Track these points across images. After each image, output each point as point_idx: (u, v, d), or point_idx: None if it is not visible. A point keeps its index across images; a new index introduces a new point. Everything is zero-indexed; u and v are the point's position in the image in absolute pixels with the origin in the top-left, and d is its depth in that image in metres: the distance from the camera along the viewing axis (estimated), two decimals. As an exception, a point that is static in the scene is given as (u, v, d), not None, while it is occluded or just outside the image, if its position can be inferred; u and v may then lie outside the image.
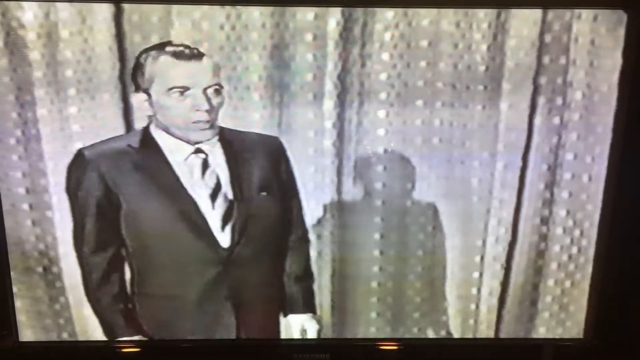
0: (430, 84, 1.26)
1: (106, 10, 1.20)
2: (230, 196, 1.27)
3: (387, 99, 1.27)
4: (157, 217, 1.26)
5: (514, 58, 1.25)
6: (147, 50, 1.19)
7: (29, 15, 1.19)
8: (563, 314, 1.44)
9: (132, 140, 1.23)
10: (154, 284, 1.33)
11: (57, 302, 1.39)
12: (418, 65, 1.25)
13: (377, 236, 1.37)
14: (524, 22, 1.24)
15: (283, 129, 1.28)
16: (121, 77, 1.23)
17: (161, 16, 1.21)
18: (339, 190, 1.32)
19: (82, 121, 1.26)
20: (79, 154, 1.25)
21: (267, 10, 1.21)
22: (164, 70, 1.18)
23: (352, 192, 1.33)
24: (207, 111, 1.20)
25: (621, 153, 1.31)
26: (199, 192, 1.26)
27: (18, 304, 1.39)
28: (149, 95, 1.19)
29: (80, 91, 1.24)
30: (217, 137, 1.24)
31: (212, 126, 1.22)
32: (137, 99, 1.21)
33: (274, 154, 1.26)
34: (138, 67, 1.19)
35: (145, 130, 1.24)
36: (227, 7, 1.20)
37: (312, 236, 1.35)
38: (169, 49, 1.17)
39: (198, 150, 1.24)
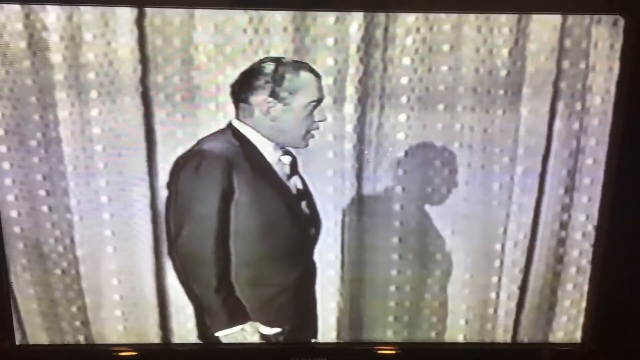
0: (451, 88, 1.26)
1: (129, 13, 1.20)
2: (308, 195, 1.34)
3: (408, 103, 1.27)
4: (269, 209, 1.32)
5: (535, 63, 1.26)
6: (282, 63, 1.24)
7: (52, 17, 1.19)
8: (581, 319, 1.44)
9: (233, 139, 1.28)
10: (254, 273, 1.36)
11: (75, 305, 1.40)
12: (439, 70, 1.25)
13: (395, 240, 1.37)
14: (544, 27, 1.24)
15: (303, 132, 1.29)
16: (142, 80, 1.24)
17: (183, 20, 1.21)
18: (358, 193, 1.33)
19: (103, 124, 1.26)
20: (203, 153, 1.27)
21: (289, 14, 1.21)
22: (307, 85, 1.25)
23: (371, 195, 1.33)
24: (324, 122, 1.27)
25: (618, 157, 1.32)
26: (292, 189, 1.32)
27: (34, 306, 1.39)
28: (284, 103, 1.25)
29: (101, 94, 1.24)
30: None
31: (314, 135, 1.29)
32: (264, 104, 1.26)
33: None
34: (274, 76, 1.23)
35: (236, 130, 1.28)
36: (250, 11, 1.21)
37: (331, 239, 1.36)
38: (306, 65, 1.24)
39: (287, 153, 1.31)
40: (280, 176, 1.31)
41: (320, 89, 1.25)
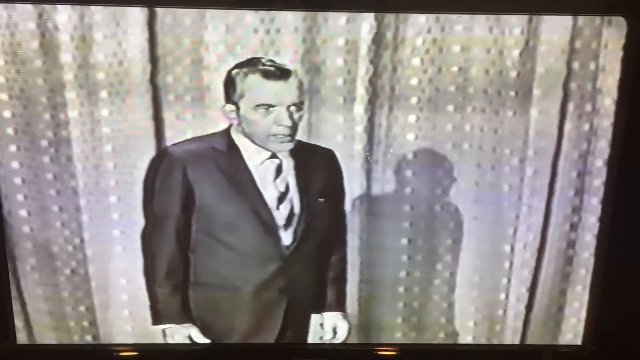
0: (462, 89, 1.26)
1: (139, 13, 1.21)
2: (295, 199, 1.32)
3: (418, 104, 1.27)
4: (231, 213, 1.31)
5: (545, 64, 1.25)
6: (239, 67, 1.23)
7: (63, 17, 1.20)
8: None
9: (216, 141, 1.28)
10: (213, 274, 1.36)
11: (83, 305, 1.39)
12: (449, 70, 1.25)
13: (404, 241, 1.37)
14: (554, 28, 1.24)
15: (312, 133, 1.28)
16: (152, 80, 1.24)
17: (194, 20, 1.21)
18: (367, 194, 1.32)
19: (112, 124, 1.27)
20: (166, 152, 1.28)
21: (300, 14, 1.21)
22: (253, 88, 1.23)
23: (380, 196, 1.33)
24: (288, 127, 1.25)
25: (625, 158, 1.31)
26: (270, 194, 1.30)
27: (43, 305, 1.39)
28: (237, 107, 1.24)
29: (111, 94, 1.25)
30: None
31: (291, 139, 1.27)
32: (227, 109, 1.25)
33: (330, 165, 1.31)
34: (230, 82, 1.24)
35: (227, 133, 1.28)
36: (261, 12, 1.21)
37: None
38: (260, 67, 1.22)
39: (273, 156, 1.29)
40: (256, 180, 1.29)
41: (273, 93, 1.23)
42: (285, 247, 1.33)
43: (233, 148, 1.28)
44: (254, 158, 1.29)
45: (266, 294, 1.36)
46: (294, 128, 1.25)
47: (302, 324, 1.41)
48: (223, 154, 1.28)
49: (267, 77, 1.22)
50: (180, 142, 1.28)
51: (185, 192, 1.28)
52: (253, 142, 1.27)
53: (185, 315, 1.37)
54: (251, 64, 1.22)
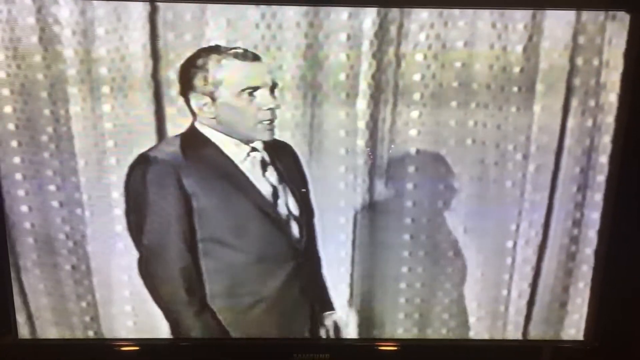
0: (465, 85, 1.25)
1: (141, 8, 1.20)
2: (288, 192, 1.31)
3: (421, 100, 1.26)
4: (235, 214, 1.28)
5: (548, 59, 1.25)
6: (202, 56, 1.20)
7: (65, 12, 1.19)
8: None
9: (190, 141, 1.24)
10: (231, 282, 1.33)
11: (85, 300, 1.39)
12: (452, 66, 1.24)
13: (407, 237, 1.36)
14: (558, 23, 1.23)
15: (315, 129, 1.28)
16: (154, 76, 1.23)
17: (195, 15, 1.21)
18: (370, 190, 1.32)
19: (114, 119, 1.26)
20: (146, 158, 1.25)
21: (302, 9, 1.21)
22: (232, 73, 1.20)
23: (383, 192, 1.32)
24: (273, 109, 1.22)
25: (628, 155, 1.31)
26: (265, 188, 1.29)
27: (44, 301, 1.40)
28: (212, 98, 1.20)
29: (113, 89, 1.24)
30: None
31: (273, 126, 1.24)
32: (197, 103, 1.22)
33: (294, 157, 1.29)
34: (197, 72, 1.20)
35: (196, 131, 1.25)
36: (262, 6, 1.20)
37: (342, 236, 1.35)
38: (230, 52, 1.19)
39: (254, 150, 1.27)
40: (248, 176, 1.26)
41: (254, 74, 1.20)
42: (297, 242, 1.32)
43: (210, 145, 1.25)
44: (238, 153, 1.26)
45: (288, 296, 1.35)
46: (275, 111, 1.23)
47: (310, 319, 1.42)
48: (206, 153, 1.25)
49: (243, 59, 1.19)
50: (154, 148, 1.25)
51: (179, 198, 1.25)
52: (230, 135, 1.24)
53: (221, 331, 1.36)
54: (216, 51, 1.19)
